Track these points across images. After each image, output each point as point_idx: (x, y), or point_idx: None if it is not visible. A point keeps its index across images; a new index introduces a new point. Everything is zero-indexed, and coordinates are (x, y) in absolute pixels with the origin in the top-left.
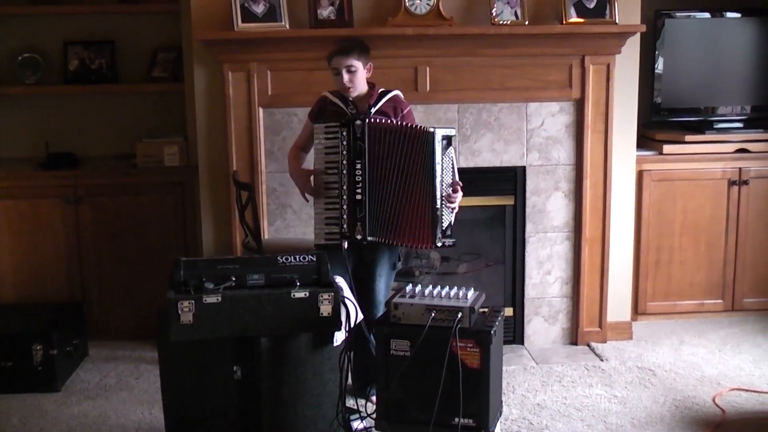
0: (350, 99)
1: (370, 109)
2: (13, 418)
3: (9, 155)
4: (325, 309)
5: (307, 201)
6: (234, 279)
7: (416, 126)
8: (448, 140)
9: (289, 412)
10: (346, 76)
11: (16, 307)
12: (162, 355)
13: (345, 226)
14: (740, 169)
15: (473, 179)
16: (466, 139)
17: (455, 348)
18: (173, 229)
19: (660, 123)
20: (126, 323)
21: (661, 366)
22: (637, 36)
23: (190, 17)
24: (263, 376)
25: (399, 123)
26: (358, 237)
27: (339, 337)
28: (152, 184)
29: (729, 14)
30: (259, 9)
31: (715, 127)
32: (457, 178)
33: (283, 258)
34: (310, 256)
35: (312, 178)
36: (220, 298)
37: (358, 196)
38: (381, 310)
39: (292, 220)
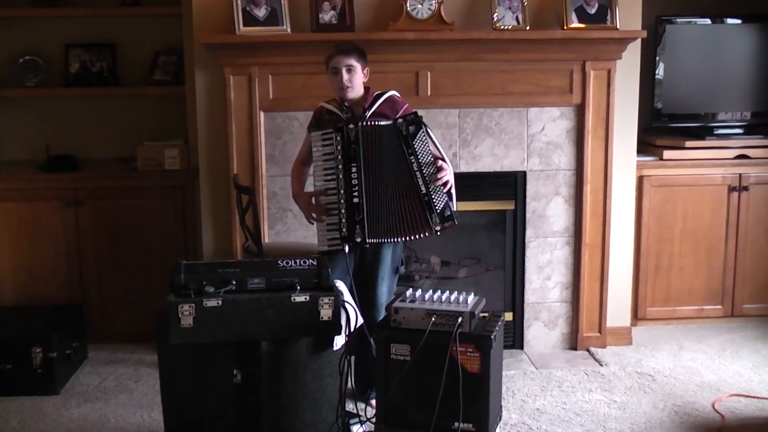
0: (346, 104)
1: (365, 112)
2: (12, 420)
3: (9, 158)
4: (326, 313)
5: (312, 224)
6: (234, 283)
7: (383, 122)
8: (414, 124)
9: (289, 416)
10: (345, 75)
11: (15, 309)
12: (162, 358)
13: (344, 229)
14: (740, 175)
15: (474, 184)
16: (466, 143)
17: (455, 352)
18: (173, 233)
19: (660, 128)
20: (125, 326)
21: (660, 371)
22: (638, 42)
23: (191, 20)
24: (263, 379)
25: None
26: (358, 239)
27: (339, 341)
28: (153, 187)
29: (729, 20)
30: (261, 13)
31: (715, 133)
32: (441, 155)
33: (284, 262)
34: (310, 260)
35: (314, 199)
36: (220, 302)
37: (356, 199)
38: (383, 314)
39: (292, 224)
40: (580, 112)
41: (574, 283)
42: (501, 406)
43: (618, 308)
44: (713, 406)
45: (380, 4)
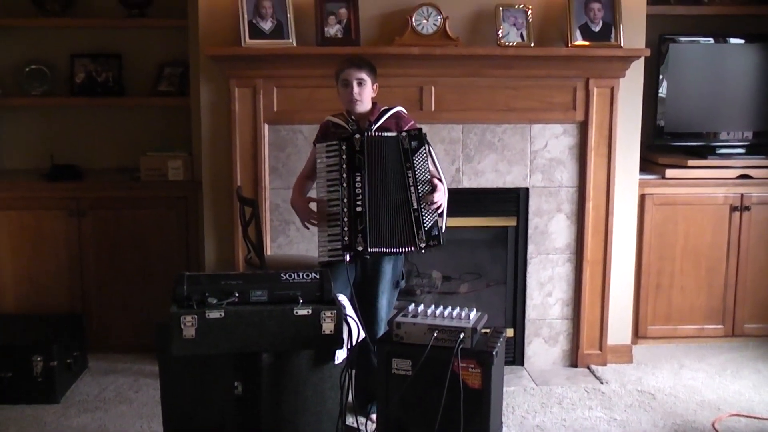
0: (352, 117)
1: (371, 126)
2: (11, 429)
3: (14, 166)
4: (328, 327)
5: (308, 229)
6: (237, 295)
7: (388, 134)
8: (416, 140)
9: (289, 429)
10: (356, 89)
11: (16, 318)
12: (162, 369)
13: (346, 238)
14: (742, 194)
15: (476, 199)
16: (469, 159)
17: (457, 368)
18: (175, 244)
19: (663, 147)
20: (126, 336)
21: (661, 390)
22: (642, 60)
23: (197, 32)
24: (264, 392)
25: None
26: (360, 248)
27: (340, 354)
28: (156, 197)
29: (733, 40)
30: (267, 26)
31: (717, 152)
32: (439, 175)
33: (287, 275)
34: (313, 273)
35: (312, 205)
36: (223, 314)
37: (359, 208)
38: (383, 328)
39: (295, 237)
40: (583, 129)
41: (575, 300)
42: (501, 422)
43: (619, 326)
44: (713, 425)
45: (386, 18)
